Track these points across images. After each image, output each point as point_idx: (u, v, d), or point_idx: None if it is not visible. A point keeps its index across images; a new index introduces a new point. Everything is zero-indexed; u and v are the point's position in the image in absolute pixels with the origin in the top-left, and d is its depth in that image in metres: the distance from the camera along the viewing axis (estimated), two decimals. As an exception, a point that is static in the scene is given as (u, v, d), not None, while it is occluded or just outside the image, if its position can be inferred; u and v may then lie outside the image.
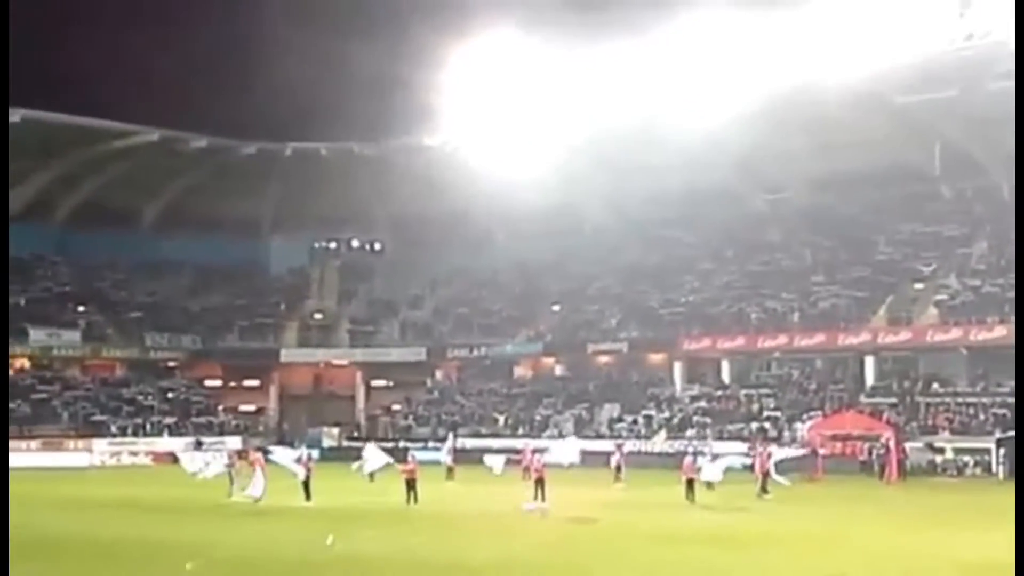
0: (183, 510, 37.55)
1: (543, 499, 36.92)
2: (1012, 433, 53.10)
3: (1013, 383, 58.75)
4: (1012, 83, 61.09)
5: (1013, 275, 64.08)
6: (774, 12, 63.71)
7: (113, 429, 74.77)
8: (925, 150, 71.80)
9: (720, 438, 61.90)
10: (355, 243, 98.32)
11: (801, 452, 50.99)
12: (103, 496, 43.27)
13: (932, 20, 61.24)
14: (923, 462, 55.25)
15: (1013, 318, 60.11)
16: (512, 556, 26.16)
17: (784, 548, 27.43)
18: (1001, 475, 51.66)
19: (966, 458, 54.65)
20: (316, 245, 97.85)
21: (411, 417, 79.33)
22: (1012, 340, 59.13)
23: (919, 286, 68.18)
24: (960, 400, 59.99)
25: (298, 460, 41.29)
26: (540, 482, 37.69)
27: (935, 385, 62.16)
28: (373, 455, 45.90)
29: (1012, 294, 62.15)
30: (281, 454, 44.47)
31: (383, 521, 33.55)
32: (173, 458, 69.92)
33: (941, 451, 55.91)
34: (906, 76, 64.12)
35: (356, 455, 48.68)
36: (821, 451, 54.10)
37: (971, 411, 58.49)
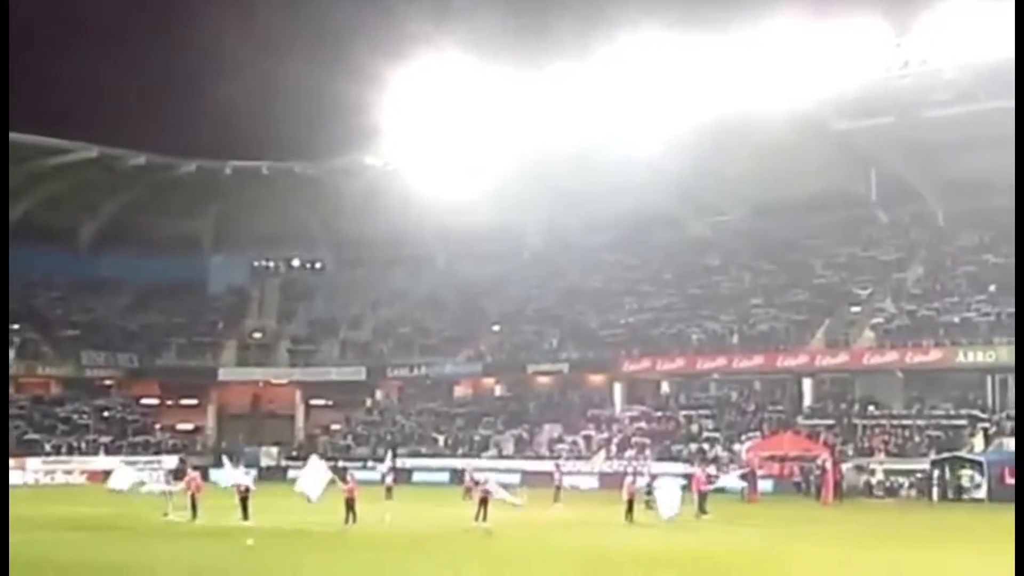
0: (119, 529, 37.09)
1: (485, 519, 36.85)
2: (946, 455, 53.78)
3: (949, 406, 59.80)
4: (947, 111, 62.80)
5: (948, 300, 65.24)
6: (715, 38, 64.42)
7: (47, 448, 74.00)
8: (862, 176, 72.84)
9: (660, 459, 62.09)
10: (295, 262, 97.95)
11: (740, 482, 50.94)
12: (37, 515, 42.61)
13: (869, 48, 62.16)
14: (859, 483, 55.79)
15: (947, 341, 61.19)
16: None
17: (725, 569, 27.57)
18: (935, 497, 52.21)
19: (901, 480, 55.25)
20: (256, 264, 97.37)
21: (350, 436, 79.02)
22: (946, 363, 60.25)
23: (856, 310, 68.95)
24: (896, 422, 60.66)
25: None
26: (484, 502, 37.60)
27: (871, 407, 62.81)
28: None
29: (946, 318, 63.40)
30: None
31: (322, 541, 33.37)
32: (108, 477, 69.34)
33: (876, 472, 56.46)
34: (844, 103, 65.21)
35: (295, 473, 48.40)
36: (759, 472, 54.53)
37: (906, 433, 59.14)
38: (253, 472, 48.58)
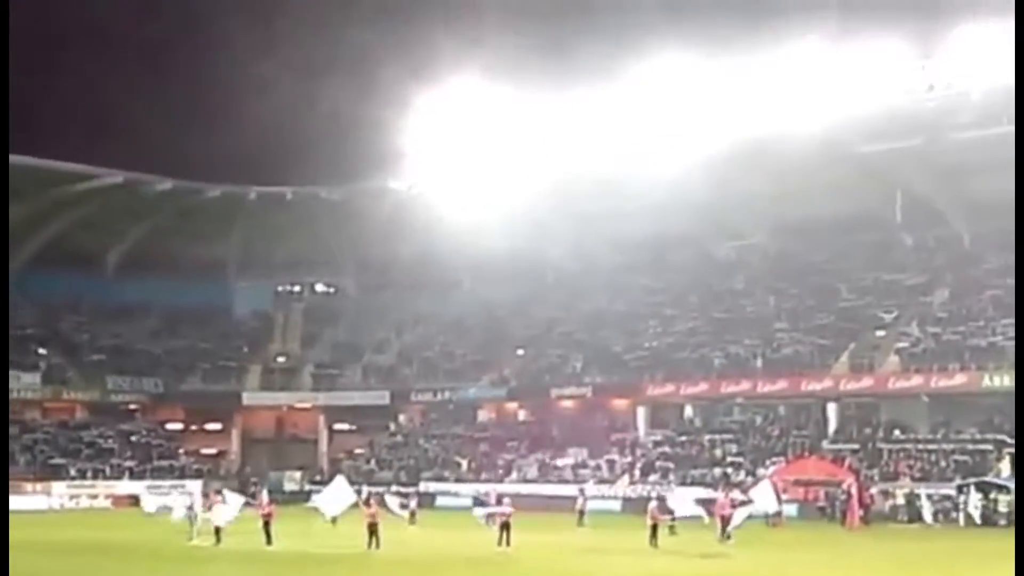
0: (144, 554, 37.18)
1: (508, 544, 36.79)
2: (973, 480, 53.35)
3: (974, 430, 59.36)
4: (973, 134, 62.44)
5: (974, 324, 64.82)
6: (740, 60, 64.35)
7: (72, 472, 74.20)
8: (887, 199, 72.41)
9: (683, 483, 61.81)
10: (319, 287, 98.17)
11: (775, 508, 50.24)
12: (62, 540, 42.77)
13: (894, 71, 61.99)
14: (884, 508, 55.40)
15: (973, 366, 60.77)
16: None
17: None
18: (962, 521, 51.81)
19: (927, 505, 54.76)
20: (280, 288, 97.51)
21: (374, 461, 78.99)
22: (972, 388, 59.80)
23: (881, 333, 68.58)
24: (921, 447, 60.22)
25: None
26: (506, 527, 37.56)
27: (896, 432, 62.38)
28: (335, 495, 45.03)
29: (972, 342, 62.94)
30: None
31: (345, 566, 33.36)
32: (133, 501, 69.56)
33: (900, 497, 56.00)
34: (869, 125, 64.87)
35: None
36: (783, 496, 54.21)
37: (932, 458, 58.71)
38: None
